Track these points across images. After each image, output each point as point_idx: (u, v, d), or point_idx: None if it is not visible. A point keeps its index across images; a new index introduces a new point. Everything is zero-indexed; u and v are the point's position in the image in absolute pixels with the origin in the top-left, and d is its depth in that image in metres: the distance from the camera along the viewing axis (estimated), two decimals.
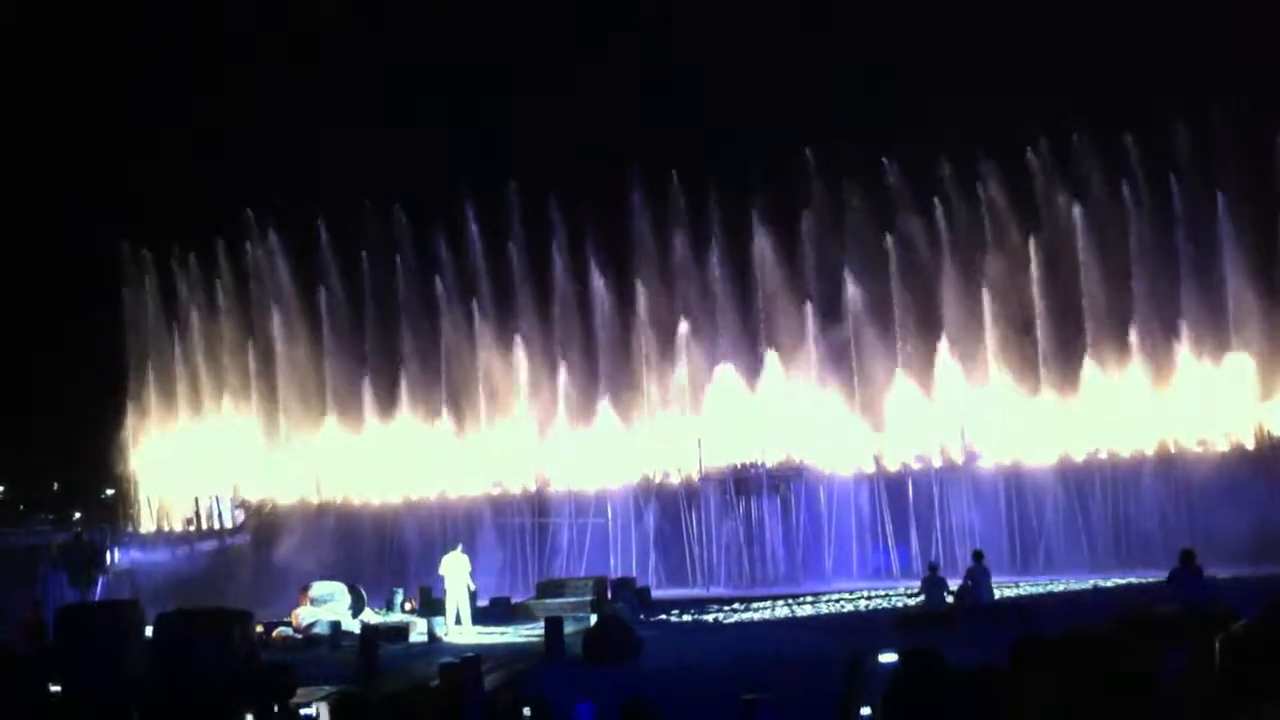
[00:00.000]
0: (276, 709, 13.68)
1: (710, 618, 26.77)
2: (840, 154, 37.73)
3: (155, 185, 48.31)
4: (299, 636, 25.18)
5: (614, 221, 39.65)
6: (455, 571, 26.70)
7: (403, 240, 41.29)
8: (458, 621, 26.33)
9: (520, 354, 39.88)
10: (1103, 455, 34.18)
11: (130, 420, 42.17)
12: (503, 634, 25.75)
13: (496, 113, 48.36)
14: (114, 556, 35.05)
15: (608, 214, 39.54)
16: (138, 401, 42.35)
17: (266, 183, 43.81)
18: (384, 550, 36.60)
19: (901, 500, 34.87)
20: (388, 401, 40.48)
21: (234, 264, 42.57)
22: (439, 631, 25.35)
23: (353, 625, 25.41)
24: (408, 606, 28.49)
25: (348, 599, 26.80)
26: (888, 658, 11.38)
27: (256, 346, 41.83)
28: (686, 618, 26.93)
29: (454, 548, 27.72)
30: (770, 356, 37.81)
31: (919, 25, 45.11)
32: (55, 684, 14.84)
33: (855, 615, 25.88)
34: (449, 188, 40.84)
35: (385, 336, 41.08)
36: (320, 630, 25.22)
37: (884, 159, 38.36)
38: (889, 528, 34.76)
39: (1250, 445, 33.23)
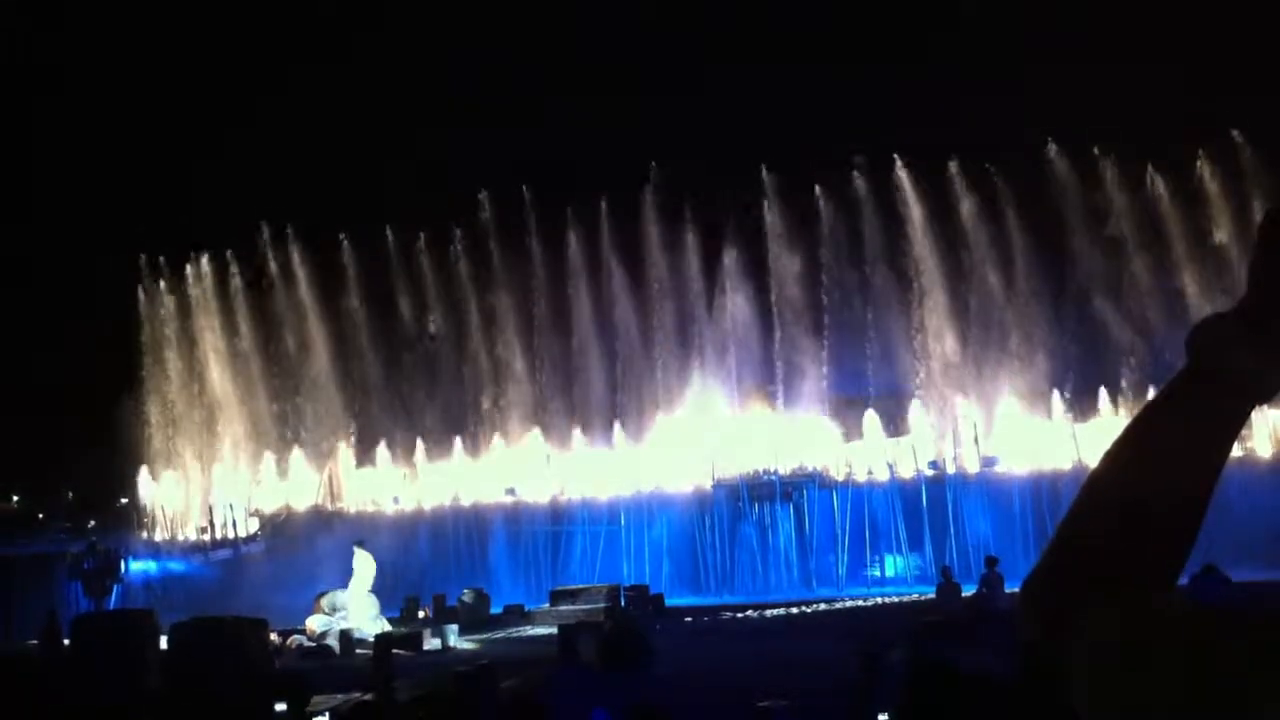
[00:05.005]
0: (291, 718, 13.69)
1: (724, 625, 26.69)
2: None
3: (171, 197, 48.59)
4: (313, 645, 25.18)
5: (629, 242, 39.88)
6: None
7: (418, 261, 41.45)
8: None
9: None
10: None
11: (146, 429, 42.30)
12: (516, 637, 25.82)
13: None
14: (129, 566, 35.15)
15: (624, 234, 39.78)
16: (154, 411, 42.48)
17: (287, 195, 44.10)
18: (398, 558, 36.60)
19: (916, 507, 34.76)
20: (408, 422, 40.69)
21: (250, 276, 42.76)
22: (451, 640, 25.47)
23: (366, 633, 25.41)
24: (421, 614, 28.49)
25: (361, 607, 26.82)
26: (901, 655, 11.32)
27: (274, 359, 41.99)
28: (700, 624, 26.86)
29: None
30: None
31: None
32: (70, 693, 14.88)
33: (870, 622, 25.75)
34: (470, 209, 41.06)
35: (400, 353, 41.26)
36: (334, 639, 25.22)
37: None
38: (903, 534, 34.66)
39: (1266, 452, 33.05)
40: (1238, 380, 1.23)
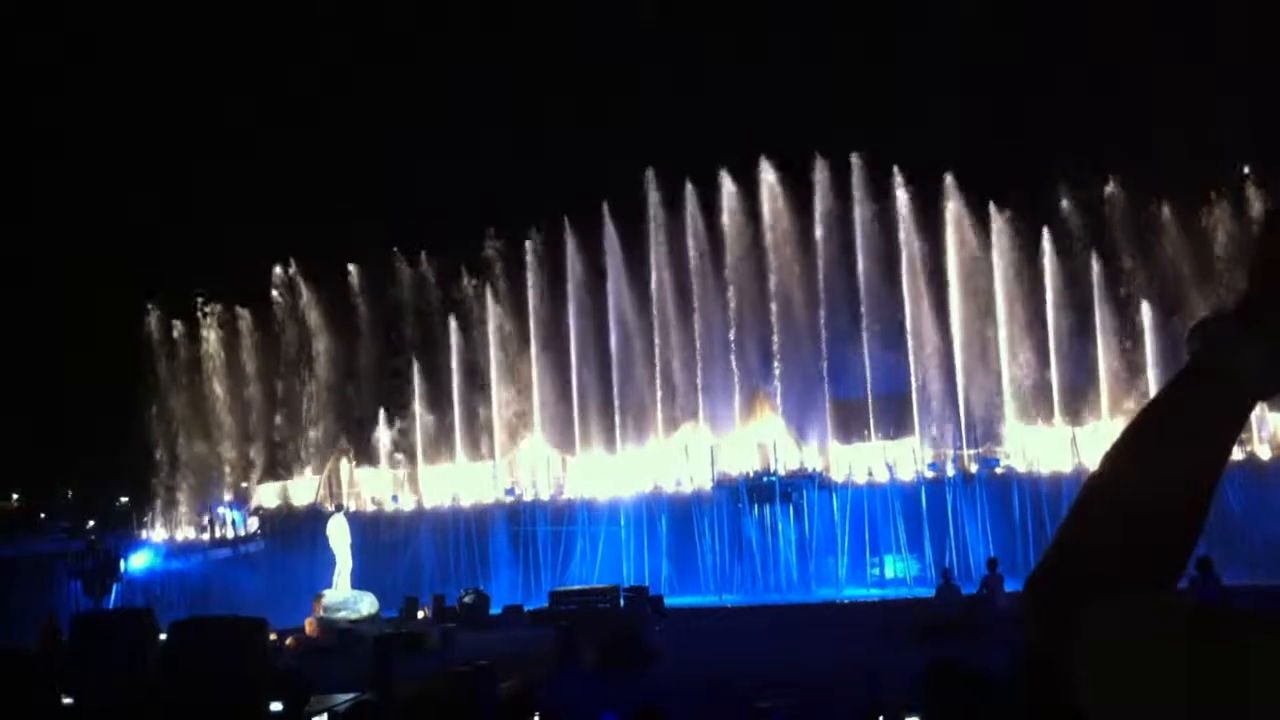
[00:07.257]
0: (289, 717, 13.69)
1: (723, 625, 26.68)
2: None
3: (171, 197, 48.64)
4: (313, 644, 25.19)
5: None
6: None
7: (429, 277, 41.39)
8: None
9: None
10: None
11: (146, 428, 42.28)
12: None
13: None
14: (128, 565, 35.17)
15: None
16: (154, 410, 42.44)
17: (287, 196, 44.10)
18: (398, 558, 36.62)
19: (915, 508, 34.74)
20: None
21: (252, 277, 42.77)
22: (450, 640, 25.47)
23: (366, 633, 25.41)
24: (421, 614, 28.49)
25: (361, 607, 26.83)
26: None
27: (275, 363, 41.98)
28: (700, 625, 26.85)
29: None
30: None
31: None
32: (70, 691, 14.88)
33: (870, 623, 25.74)
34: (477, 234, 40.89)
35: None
36: (334, 638, 25.23)
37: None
38: (903, 536, 34.63)
39: (1266, 455, 33.04)
40: (1238, 378, 1.23)
